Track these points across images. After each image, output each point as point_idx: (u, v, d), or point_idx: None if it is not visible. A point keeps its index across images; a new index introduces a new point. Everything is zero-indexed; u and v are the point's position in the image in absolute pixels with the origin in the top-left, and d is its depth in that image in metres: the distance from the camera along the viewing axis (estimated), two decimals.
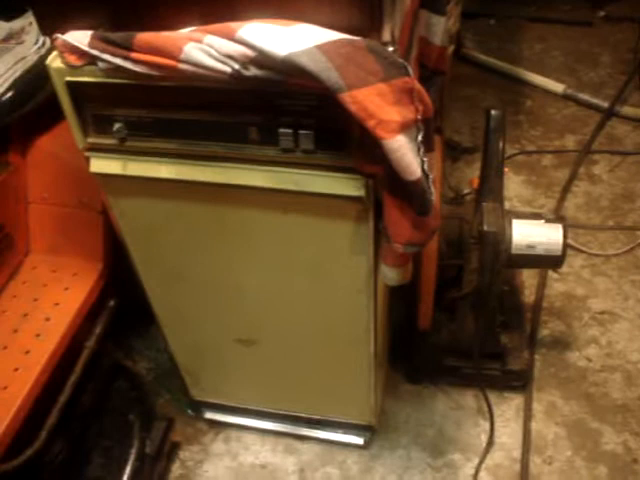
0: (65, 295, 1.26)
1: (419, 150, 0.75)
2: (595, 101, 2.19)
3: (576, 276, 1.72)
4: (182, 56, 0.72)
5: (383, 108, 0.69)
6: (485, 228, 1.21)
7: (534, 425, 1.43)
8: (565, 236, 1.23)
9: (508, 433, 1.43)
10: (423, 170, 0.75)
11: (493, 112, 1.22)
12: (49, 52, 1.31)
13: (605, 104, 2.16)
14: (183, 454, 1.45)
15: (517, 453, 1.39)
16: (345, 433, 1.41)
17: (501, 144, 1.23)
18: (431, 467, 1.39)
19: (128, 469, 1.27)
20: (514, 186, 1.98)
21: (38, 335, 1.20)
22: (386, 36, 0.73)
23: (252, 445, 1.46)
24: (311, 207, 0.87)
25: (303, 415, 1.39)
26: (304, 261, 0.97)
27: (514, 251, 1.24)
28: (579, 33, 2.56)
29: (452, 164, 2.06)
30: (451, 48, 1.73)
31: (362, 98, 0.67)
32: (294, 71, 0.68)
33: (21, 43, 1.31)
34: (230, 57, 0.71)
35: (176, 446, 1.45)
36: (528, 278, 1.70)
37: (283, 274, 1.00)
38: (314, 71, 0.66)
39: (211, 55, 0.71)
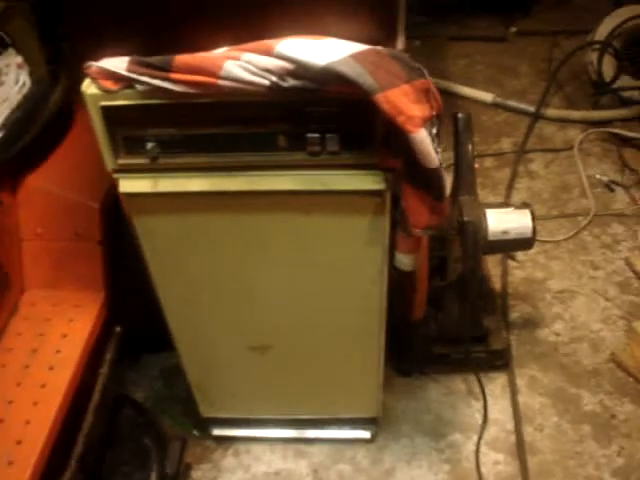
0: (71, 326, 1.27)
1: (434, 142, 0.85)
2: (522, 106, 2.41)
3: (533, 262, 1.89)
4: (222, 73, 0.79)
5: (409, 106, 0.79)
6: (465, 219, 1.33)
7: (520, 398, 1.56)
8: (533, 219, 1.38)
9: (499, 409, 1.54)
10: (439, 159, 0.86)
11: (460, 115, 1.36)
12: (31, 91, 1.35)
13: (531, 108, 2.39)
14: (195, 474, 1.46)
15: (510, 425, 1.51)
16: (352, 429, 1.47)
17: (470, 143, 1.36)
18: (435, 450, 1.48)
19: None
20: None
21: (52, 368, 1.20)
22: (400, 45, 0.84)
23: (262, 455, 1.49)
24: (333, 205, 0.96)
25: (310, 417, 1.45)
26: (322, 259, 1.05)
27: (491, 237, 1.37)
28: (497, 48, 2.80)
29: None
30: None
31: (393, 98, 0.77)
32: (332, 79, 0.77)
33: (1, 84, 1.33)
34: (268, 71, 0.79)
35: (188, 467, 1.46)
36: (491, 268, 1.85)
37: (301, 273, 1.08)
38: (352, 77, 0.75)
39: (249, 70, 0.79)
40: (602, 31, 2.30)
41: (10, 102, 1.28)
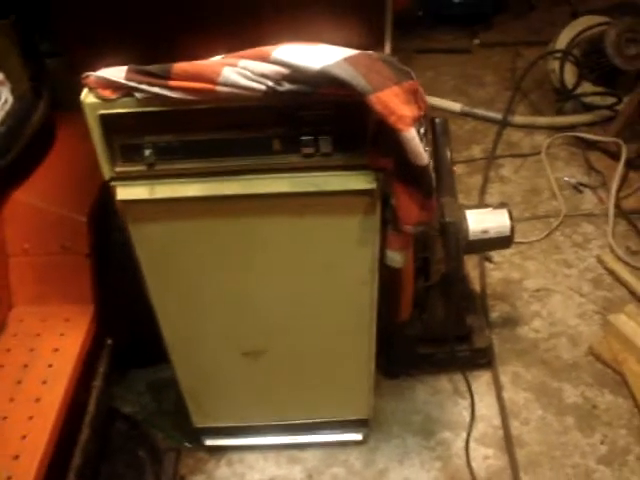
0: (62, 340, 1.27)
1: (422, 140, 0.89)
2: (490, 115, 2.49)
3: (509, 263, 1.95)
4: (220, 79, 0.82)
5: (399, 106, 0.83)
6: (447, 219, 1.37)
7: (505, 394, 1.60)
8: (511, 218, 1.43)
9: (485, 406, 1.58)
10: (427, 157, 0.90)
11: (437, 120, 1.41)
12: (13, 108, 1.35)
13: (499, 116, 2.47)
14: None
15: (497, 421, 1.55)
16: (344, 432, 1.49)
17: (448, 147, 1.41)
18: (426, 448, 1.51)
19: None
20: None
21: (45, 382, 1.19)
22: (387, 50, 0.88)
23: (255, 463, 1.50)
24: (326, 206, 0.99)
25: (303, 422, 1.46)
26: (317, 259, 1.07)
27: (471, 237, 1.41)
28: (461, 59, 2.89)
29: None
30: None
31: (385, 99, 0.81)
32: (327, 81, 0.80)
33: None
34: (265, 76, 0.82)
35: (182, 479, 1.45)
36: (470, 270, 1.90)
37: (294, 276, 1.10)
38: (346, 79, 0.79)
39: (246, 76, 0.82)
40: (562, 40, 2.41)
41: None
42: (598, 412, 1.55)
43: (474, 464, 1.46)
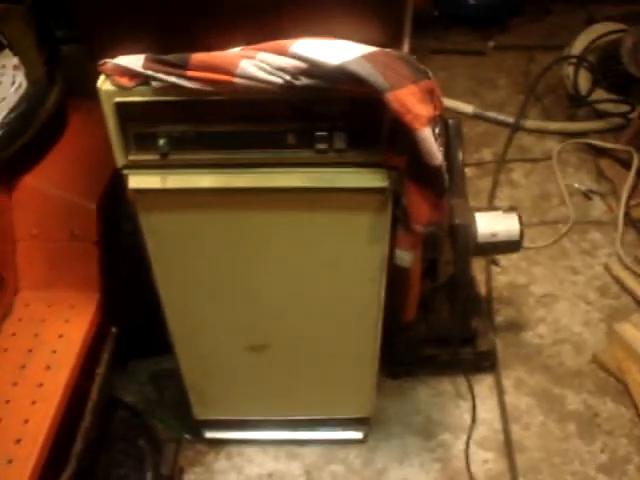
0: (67, 327, 1.27)
1: (436, 140, 0.89)
2: (502, 118, 2.48)
3: (516, 268, 1.94)
4: (238, 71, 0.82)
5: (415, 105, 0.83)
6: (457, 221, 1.37)
7: (507, 399, 1.59)
8: (521, 222, 1.42)
9: (486, 409, 1.58)
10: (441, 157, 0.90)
11: (450, 122, 1.40)
12: (27, 92, 1.35)
13: (511, 120, 2.46)
14: (188, 477, 1.46)
15: (498, 425, 1.54)
16: (344, 430, 1.49)
17: (460, 149, 1.41)
18: (426, 449, 1.51)
19: None
20: None
21: (48, 367, 1.20)
22: (405, 48, 0.88)
23: (255, 457, 1.50)
24: (337, 203, 0.98)
25: (303, 418, 1.46)
26: (324, 256, 1.07)
27: (480, 240, 1.41)
28: (475, 61, 2.87)
29: None
30: None
31: (401, 97, 0.81)
32: (345, 77, 0.80)
33: None
34: (282, 70, 0.82)
35: (181, 471, 1.46)
36: (476, 273, 1.89)
37: (304, 270, 1.10)
38: (364, 76, 0.79)
39: (264, 69, 0.82)
40: (577, 46, 2.40)
41: (8, 102, 1.28)
42: (599, 420, 1.54)
43: (473, 467, 1.46)
